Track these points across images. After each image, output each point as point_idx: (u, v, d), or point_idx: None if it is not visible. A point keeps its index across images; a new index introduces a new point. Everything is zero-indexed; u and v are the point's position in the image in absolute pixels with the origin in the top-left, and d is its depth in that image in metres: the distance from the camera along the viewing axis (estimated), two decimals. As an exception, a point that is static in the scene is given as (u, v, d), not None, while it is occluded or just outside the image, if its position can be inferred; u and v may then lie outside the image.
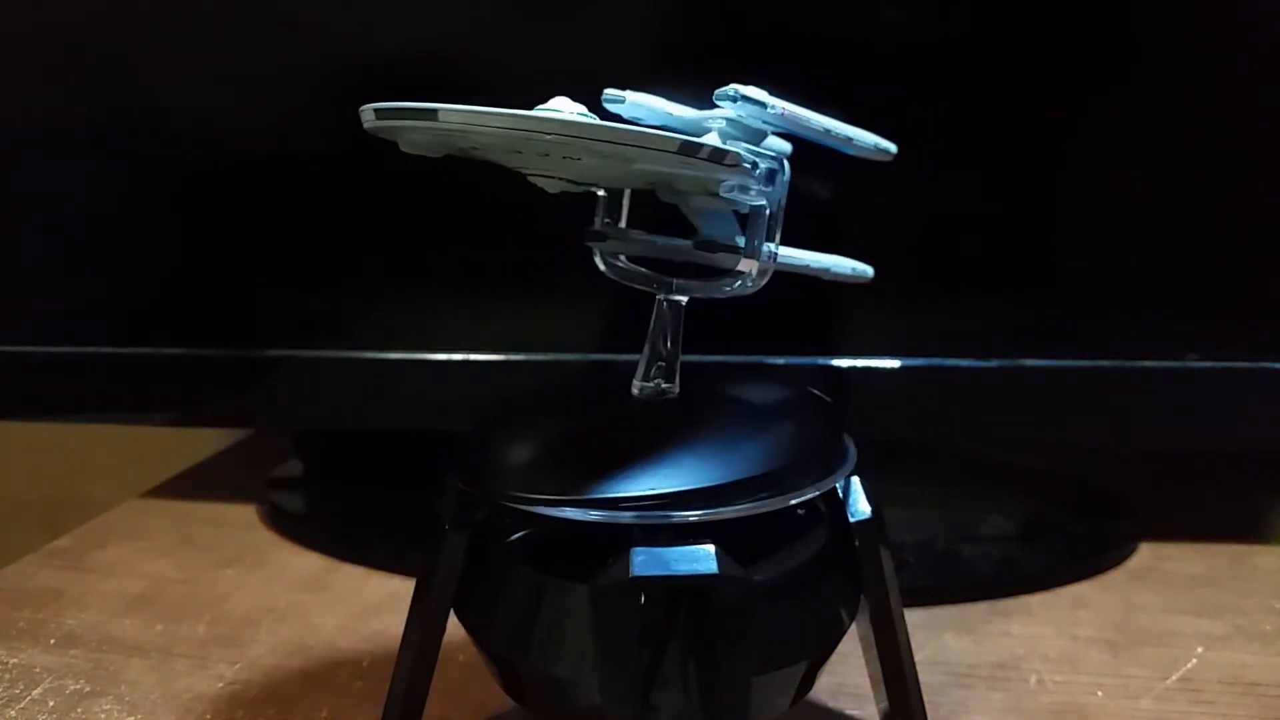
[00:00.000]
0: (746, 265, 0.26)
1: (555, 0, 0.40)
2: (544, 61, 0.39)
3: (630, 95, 0.26)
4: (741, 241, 0.26)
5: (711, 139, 0.25)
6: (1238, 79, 0.38)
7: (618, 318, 0.40)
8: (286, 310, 0.43)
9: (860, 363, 0.40)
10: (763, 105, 0.25)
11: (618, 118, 0.26)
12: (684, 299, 0.28)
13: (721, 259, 0.26)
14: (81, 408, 0.46)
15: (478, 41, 0.40)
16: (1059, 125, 0.39)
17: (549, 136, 0.21)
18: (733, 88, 0.25)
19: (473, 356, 0.42)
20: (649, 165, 0.23)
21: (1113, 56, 0.38)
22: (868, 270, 0.31)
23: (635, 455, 0.25)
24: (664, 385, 0.27)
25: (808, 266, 0.29)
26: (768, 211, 0.26)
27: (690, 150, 0.22)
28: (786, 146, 0.27)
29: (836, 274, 0.30)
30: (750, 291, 0.27)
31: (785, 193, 0.26)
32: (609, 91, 0.26)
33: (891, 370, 0.40)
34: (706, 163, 0.22)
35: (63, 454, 0.69)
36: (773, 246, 0.26)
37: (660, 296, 0.28)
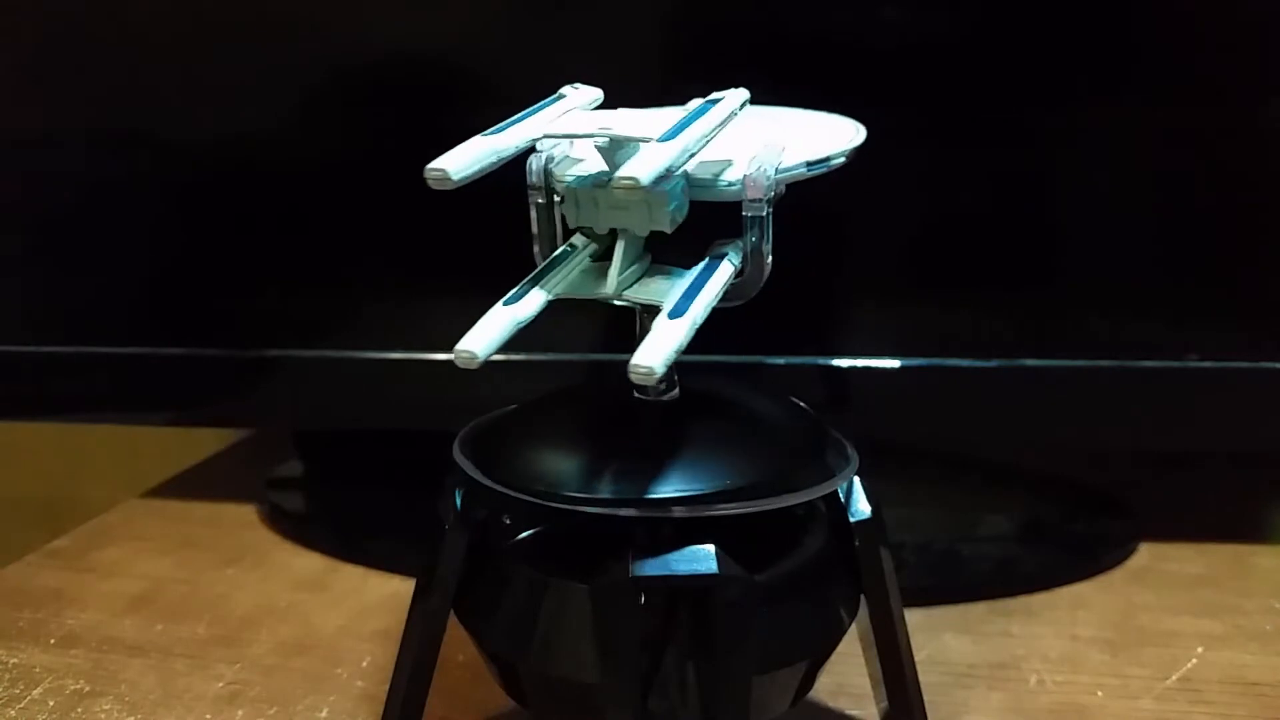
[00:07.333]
0: None
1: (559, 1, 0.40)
2: (547, 63, 0.39)
3: None
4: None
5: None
6: (1238, 78, 0.38)
7: (618, 318, 0.40)
8: (286, 310, 0.43)
9: (860, 363, 0.40)
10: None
11: None
12: None
13: None
14: (81, 408, 0.46)
15: (477, 42, 0.40)
16: (1059, 123, 0.39)
17: None
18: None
19: (473, 356, 0.42)
20: None
21: (1111, 54, 0.38)
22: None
23: (637, 453, 0.25)
24: (663, 388, 0.27)
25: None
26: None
27: None
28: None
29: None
30: None
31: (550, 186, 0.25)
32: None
33: (891, 370, 0.40)
34: None
35: (63, 454, 0.69)
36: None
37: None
